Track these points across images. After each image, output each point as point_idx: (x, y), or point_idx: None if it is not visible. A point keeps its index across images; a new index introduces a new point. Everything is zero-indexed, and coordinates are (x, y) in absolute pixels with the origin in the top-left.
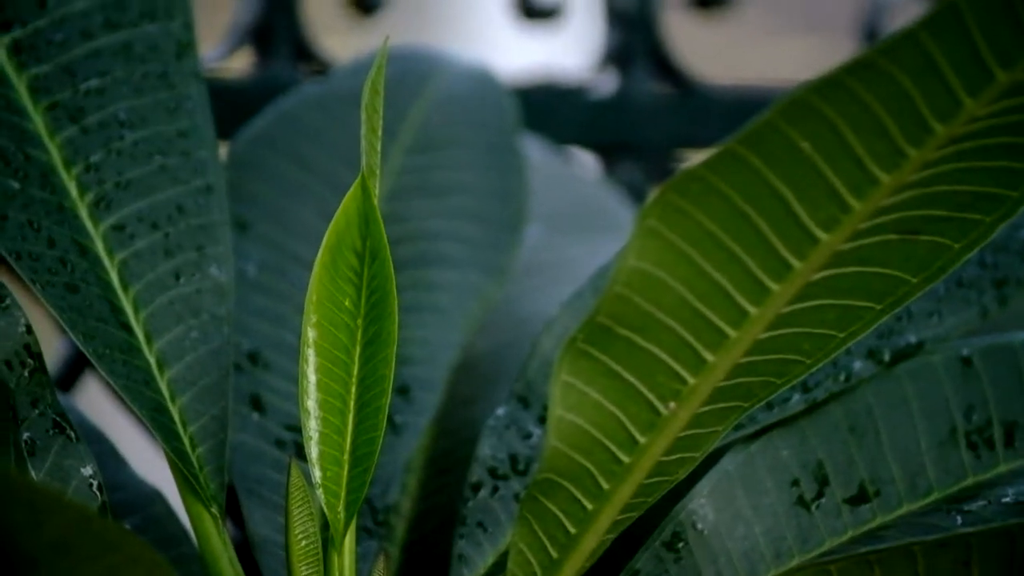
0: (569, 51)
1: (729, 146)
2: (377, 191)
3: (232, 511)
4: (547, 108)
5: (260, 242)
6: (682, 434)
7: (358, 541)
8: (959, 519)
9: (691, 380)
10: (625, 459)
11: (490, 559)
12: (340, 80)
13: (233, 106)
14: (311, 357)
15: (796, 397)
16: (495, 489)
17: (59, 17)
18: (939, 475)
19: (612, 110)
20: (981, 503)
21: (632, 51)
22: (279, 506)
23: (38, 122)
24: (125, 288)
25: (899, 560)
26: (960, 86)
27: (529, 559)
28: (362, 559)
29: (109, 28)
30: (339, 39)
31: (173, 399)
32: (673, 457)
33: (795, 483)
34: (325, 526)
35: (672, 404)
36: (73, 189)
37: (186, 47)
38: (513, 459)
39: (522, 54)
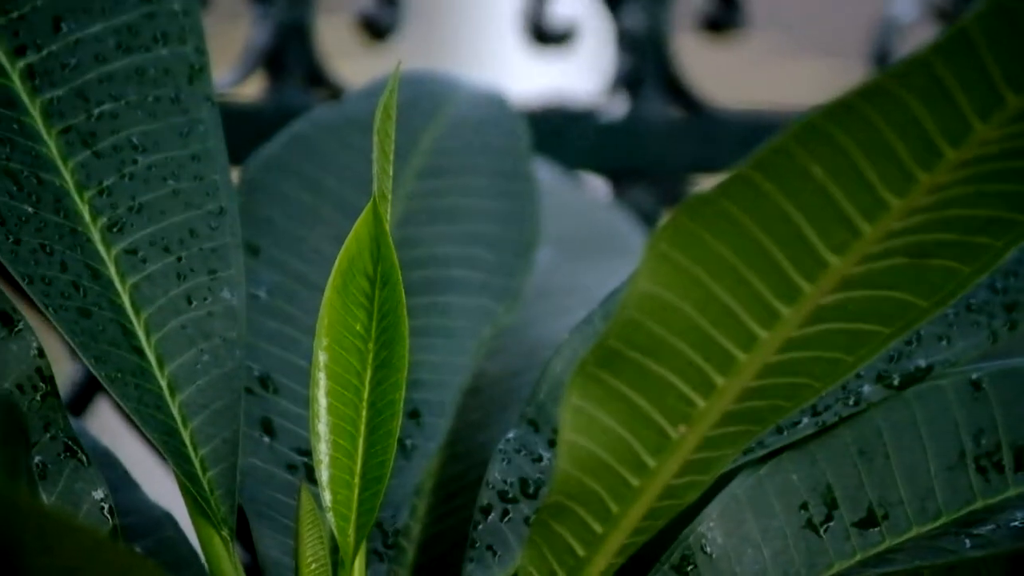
0: (579, 75)
1: (741, 171)
2: (389, 215)
3: (242, 534)
4: (557, 132)
5: (272, 266)
6: (692, 457)
7: (368, 564)
8: (968, 542)
9: (701, 404)
10: (635, 482)
11: None
12: (352, 104)
13: (245, 130)
14: (322, 381)
15: (805, 420)
16: (505, 512)
17: (73, 41)
18: (948, 498)
19: (623, 134)
20: (990, 527)
21: (642, 75)
22: (289, 529)
23: (51, 146)
24: (137, 312)
25: None
26: (971, 110)
27: None
28: None
29: (122, 52)
30: (351, 64)
31: (185, 423)
32: (683, 480)
33: (804, 506)
34: (335, 549)
35: (682, 427)
36: (86, 213)
37: (199, 71)
38: (523, 483)
39: (532, 78)
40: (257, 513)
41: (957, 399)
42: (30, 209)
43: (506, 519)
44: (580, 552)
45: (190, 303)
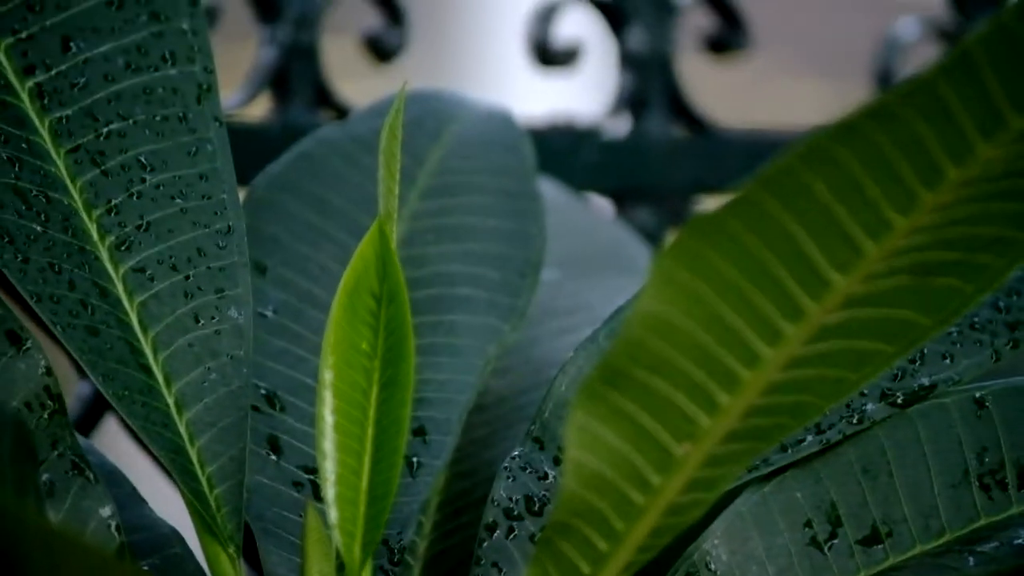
0: (584, 95)
1: (746, 190)
2: (395, 234)
3: (249, 552)
4: (562, 151)
5: (278, 285)
6: (696, 475)
7: None
8: (971, 560)
9: (706, 422)
10: (640, 500)
11: None
12: (358, 124)
13: (253, 150)
14: (328, 399)
15: (809, 439)
16: (510, 530)
17: (82, 60)
18: (952, 516)
19: (627, 153)
20: (993, 544)
21: (647, 94)
22: (296, 546)
23: (60, 165)
24: (145, 330)
25: None
26: (974, 130)
27: None
28: None
29: (131, 72)
30: (357, 84)
31: (192, 440)
32: (687, 498)
33: (808, 524)
34: (341, 567)
35: (687, 445)
36: (94, 232)
37: (207, 91)
38: (528, 500)
39: (537, 98)
40: (264, 530)
41: (960, 417)
42: (39, 228)
43: (511, 536)
44: (585, 570)
45: (197, 321)
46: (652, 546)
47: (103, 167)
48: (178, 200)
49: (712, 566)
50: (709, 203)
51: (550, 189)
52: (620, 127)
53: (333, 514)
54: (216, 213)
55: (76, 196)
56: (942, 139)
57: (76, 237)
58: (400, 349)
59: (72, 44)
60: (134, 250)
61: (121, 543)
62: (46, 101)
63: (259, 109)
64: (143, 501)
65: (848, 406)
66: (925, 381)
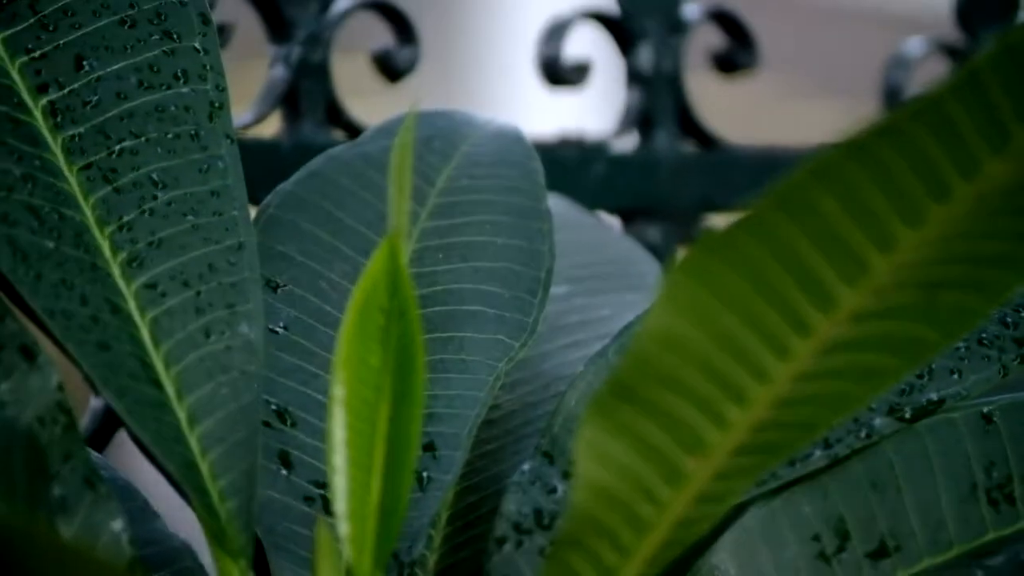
0: (594, 112)
1: (757, 207)
2: (405, 252)
3: (260, 566)
4: (571, 169)
5: (289, 301)
6: (705, 489)
7: None
8: (980, 574)
9: (714, 436)
10: (649, 514)
11: None
12: (369, 143)
13: (264, 168)
14: (339, 414)
15: (818, 453)
16: (520, 544)
17: (95, 79)
18: (960, 530)
19: (635, 171)
20: (1001, 558)
21: (655, 112)
22: (307, 560)
23: (73, 182)
24: (156, 346)
25: None
26: (982, 147)
27: None
28: None
29: (143, 89)
30: (368, 103)
31: (203, 455)
32: (696, 512)
33: (816, 538)
34: None
35: (696, 460)
36: (106, 248)
37: (218, 108)
38: (538, 514)
39: (547, 116)
40: (274, 545)
41: (968, 432)
42: (51, 244)
43: (520, 550)
44: None
45: (209, 337)
46: (661, 560)
47: (115, 184)
48: (190, 217)
49: None
50: (717, 221)
51: (560, 205)
52: (629, 144)
53: (343, 528)
54: (227, 229)
55: (88, 213)
56: (950, 155)
57: (88, 253)
58: (410, 365)
59: (85, 62)
60: (146, 266)
61: (133, 557)
62: (59, 119)
63: (270, 127)
64: (155, 515)
65: (856, 421)
66: (933, 396)
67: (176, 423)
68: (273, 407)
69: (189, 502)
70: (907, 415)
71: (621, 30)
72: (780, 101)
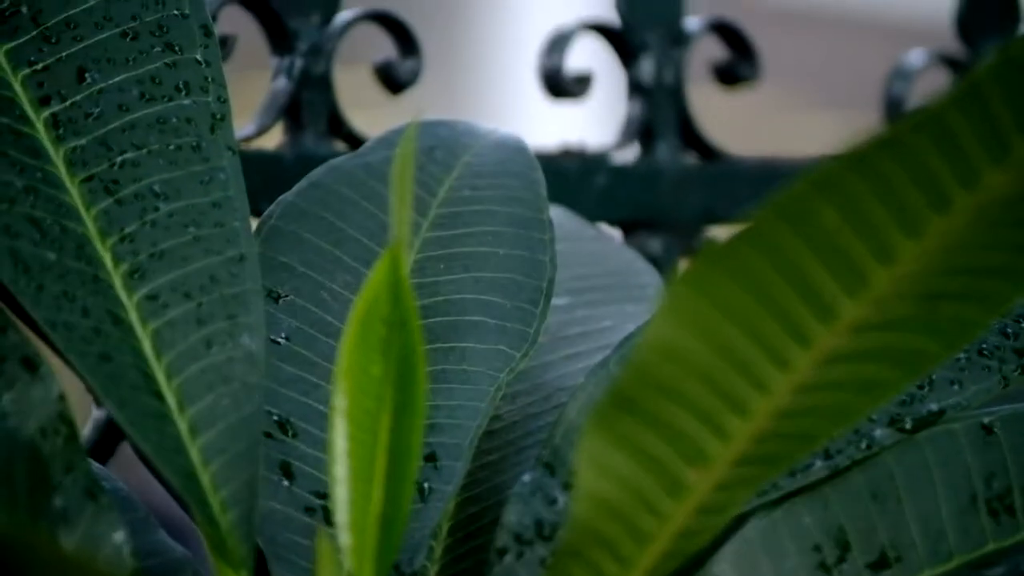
0: (596, 124)
1: (758, 218)
2: (407, 262)
3: None
4: (573, 180)
5: (291, 312)
6: (706, 500)
7: None
8: None
9: (715, 447)
10: (650, 525)
11: None
12: (371, 153)
13: (265, 179)
14: (340, 425)
15: (818, 464)
16: (520, 554)
17: (96, 91)
18: (960, 541)
19: (637, 182)
20: (1001, 569)
21: (657, 123)
22: (308, 571)
23: (74, 194)
24: (158, 357)
25: None
26: (982, 158)
27: None
28: None
29: (145, 101)
30: (370, 114)
31: (204, 466)
32: (697, 523)
33: (817, 548)
34: None
35: (696, 471)
36: (108, 260)
37: (220, 120)
38: (539, 525)
39: (547, 127)
40: (276, 555)
41: (969, 443)
42: (53, 256)
43: (521, 560)
44: None
45: (210, 348)
46: (661, 571)
47: (117, 196)
48: (191, 228)
49: None
50: (719, 232)
51: (561, 217)
52: (630, 156)
53: (344, 539)
54: (229, 241)
55: (90, 225)
56: (951, 167)
57: (90, 265)
58: (411, 375)
59: (87, 75)
60: (147, 278)
61: (134, 568)
62: (61, 131)
63: (272, 139)
64: (157, 526)
65: (857, 432)
66: (933, 407)
67: (177, 434)
68: (274, 418)
69: (190, 513)
70: (908, 426)
71: (623, 42)
72: (781, 113)
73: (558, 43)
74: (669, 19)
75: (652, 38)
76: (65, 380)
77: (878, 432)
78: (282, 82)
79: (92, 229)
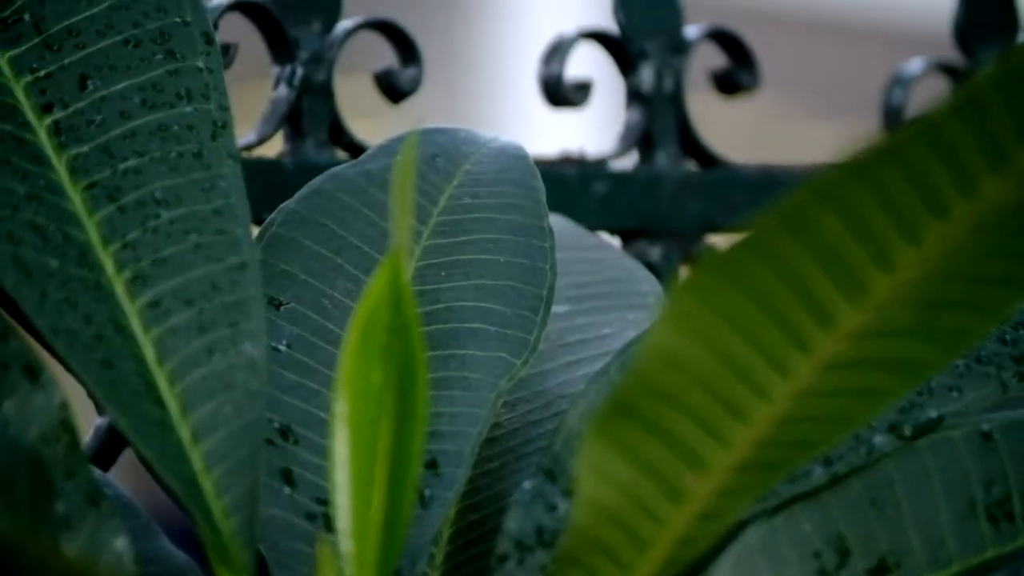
0: (597, 131)
1: (759, 226)
2: (408, 269)
3: None
4: (572, 188)
5: (292, 319)
6: (706, 507)
7: None
8: None
9: (715, 454)
10: (650, 531)
11: None
12: (372, 161)
13: (266, 187)
14: (341, 432)
15: (818, 470)
16: (521, 561)
17: (99, 98)
18: (959, 547)
19: (636, 190)
20: (1000, 575)
21: (656, 131)
22: None
23: (77, 201)
24: (160, 364)
25: None
26: (981, 167)
27: None
28: None
29: (147, 109)
30: (371, 122)
31: (206, 472)
32: (697, 529)
33: (817, 555)
34: None
35: (696, 477)
36: (110, 267)
37: (221, 128)
38: (539, 531)
39: (547, 135)
40: (277, 562)
41: (968, 449)
42: (56, 263)
43: (522, 567)
44: None
45: (212, 355)
46: None
47: (119, 203)
48: (193, 235)
49: None
50: (718, 240)
51: (561, 225)
52: (630, 164)
53: (346, 546)
54: (230, 248)
55: (92, 232)
56: (950, 175)
57: (92, 272)
58: (412, 382)
59: (89, 82)
60: (149, 285)
61: (136, 575)
62: (63, 138)
63: (273, 147)
64: (159, 533)
65: (856, 438)
66: (933, 414)
67: (179, 441)
68: (276, 425)
69: (192, 519)
70: (907, 433)
71: (622, 50)
72: (780, 120)
73: (558, 51)
74: (668, 27)
75: (651, 46)
76: (67, 387)
77: (878, 439)
78: (283, 90)
79: (94, 236)
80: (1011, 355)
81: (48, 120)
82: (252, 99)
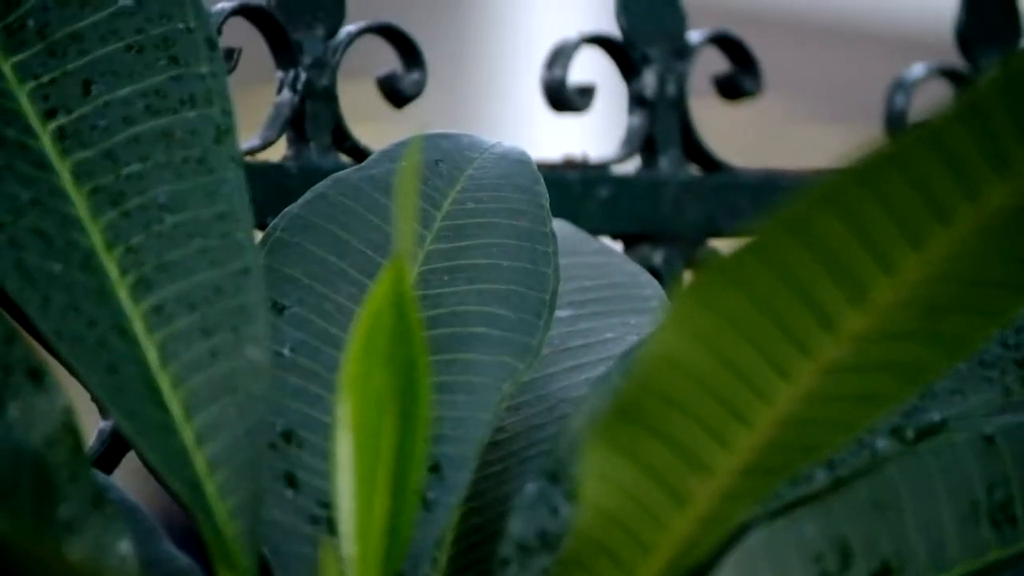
0: (600, 136)
1: (762, 231)
2: (411, 273)
3: None
4: (575, 193)
5: (295, 324)
6: (708, 510)
7: None
8: None
9: (719, 458)
10: (652, 534)
11: None
12: (375, 166)
13: (270, 191)
14: (344, 436)
15: (821, 474)
16: (524, 565)
17: (102, 104)
18: (962, 550)
19: (639, 195)
20: None
21: (659, 136)
22: None
23: (80, 206)
24: (163, 368)
25: None
26: (984, 171)
27: None
28: None
29: (150, 114)
30: (374, 127)
31: (209, 476)
32: (699, 533)
33: (819, 558)
34: None
35: (699, 481)
36: (113, 271)
37: (225, 133)
38: (542, 535)
39: (550, 139)
40: (280, 565)
41: (970, 453)
42: (59, 267)
43: (525, 571)
44: None
45: (215, 359)
46: None
47: (123, 208)
48: (196, 240)
49: None
50: (721, 245)
51: (563, 230)
52: (632, 168)
53: (348, 549)
54: (234, 252)
55: (96, 236)
56: (953, 179)
57: (96, 276)
58: (415, 386)
59: (93, 88)
60: (153, 289)
61: None
62: (67, 143)
63: (277, 152)
64: (162, 536)
65: (859, 442)
66: (935, 417)
67: (183, 445)
68: (279, 429)
69: (195, 522)
70: (910, 436)
71: (625, 55)
72: (783, 125)
73: (561, 56)
74: (671, 32)
75: (654, 51)
76: (71, 391)
77: (880, 442)
78: (286, 95)
79: (98, 241)
80: (1014, 359)
81: (52, 125)
82: (255, 104)
